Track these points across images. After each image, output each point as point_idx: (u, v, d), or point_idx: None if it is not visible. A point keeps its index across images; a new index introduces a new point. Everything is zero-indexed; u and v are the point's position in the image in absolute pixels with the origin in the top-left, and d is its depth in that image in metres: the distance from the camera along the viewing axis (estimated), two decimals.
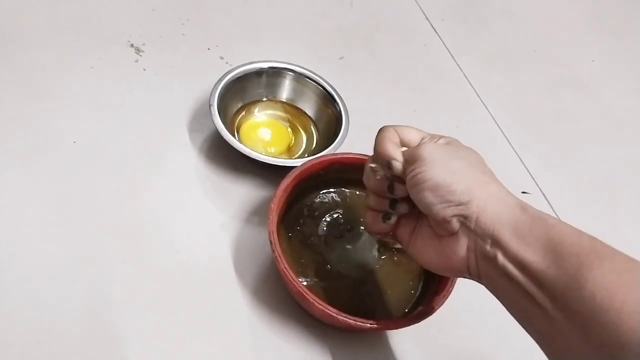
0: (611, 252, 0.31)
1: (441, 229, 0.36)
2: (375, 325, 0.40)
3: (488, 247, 0.33)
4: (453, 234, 0.35)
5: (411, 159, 0.36)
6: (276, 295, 0.45)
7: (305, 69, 0.57)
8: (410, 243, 0.40)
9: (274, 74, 0.56)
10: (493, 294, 0.35)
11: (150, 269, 0.45)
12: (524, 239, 0.32)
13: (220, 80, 0.53)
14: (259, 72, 0.56)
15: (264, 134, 0.55)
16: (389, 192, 0.38)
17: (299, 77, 0.57)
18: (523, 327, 0.34)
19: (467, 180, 0.34)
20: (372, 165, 0.39)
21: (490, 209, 0.34)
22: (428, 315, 0.41)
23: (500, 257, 0.33)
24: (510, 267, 0.32)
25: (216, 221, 0.49)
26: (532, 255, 0.31)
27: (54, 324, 0.41)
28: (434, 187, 0.34)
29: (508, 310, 0.35)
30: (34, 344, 0.40)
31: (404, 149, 0.38)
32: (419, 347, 0.46)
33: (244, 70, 0.55)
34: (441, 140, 0.38)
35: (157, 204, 0.49)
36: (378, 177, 0.39)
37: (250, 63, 0.55)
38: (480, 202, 0.34)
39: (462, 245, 0.35)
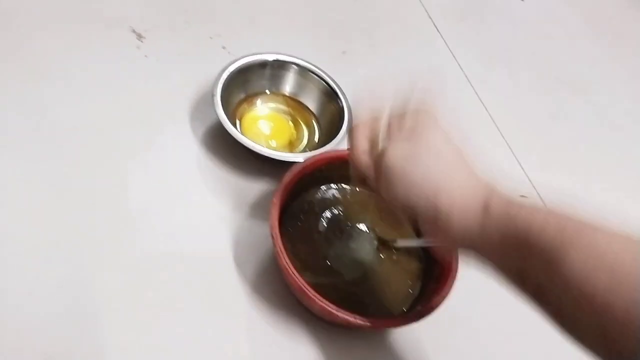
0: (577, 235, 0.30)
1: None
2: (374, 324, 0.40)
3: (464, 251, 0.36)
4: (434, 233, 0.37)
5: (377, 169, 0.37)
6: (275, 290, 0.45)
7: (309, 63, 0.57)
8: None
9: (278, 67, 0.56)
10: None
11: (148, 258, 0.45)
12: (494, 243, 0.32)
13: (224, 70, 0.52)
14: (263, 64, 0.55)
15: (265, 126, 0.55)
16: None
17: (303, 71, 0.56)
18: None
19: (427, 193, 0.34)
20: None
21: (456, 224, 0.34)
22: (426, 315, 0.41)
23: (478, 256, 0.34)
24: (491, 263, 0.34)
25: (216, 213, 0.49)
26: (506, 259, 0.32)
27: (46, 309, 0.40)
28: (399, 202, 0.35)
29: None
30: (26, 329, 0.39)
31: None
32: (416, 346, 0.46)
33: (248, 61, 0.54)
34: (405, 129, 0.36)
35: (157, 193, 0.49)
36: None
37: (255, 54, 0.55)
38: (444, 216, 0.34)
39: (444, 240, 0.38)
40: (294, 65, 0.56)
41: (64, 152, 0.49)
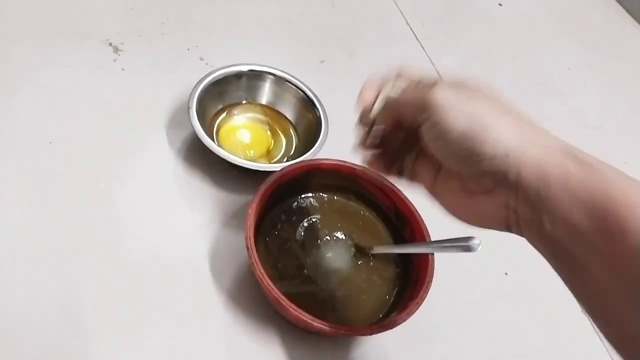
0: None
1: (474, 186, 0.30)
2: (348, 331, 0.40)
3: (531, 211, 0.27)
4: (488, 191, 0.29)
5: (420, 105, 0.30)
6: (253, 299, 0.46)
7: (285, 72, 0.57)
8: (436, 192, 0.34)
9: (254, 77, 0.56)
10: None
11: (125, 270, 0.45)
12: (576, 196, 0.25)
13: (199, 82, 0.53)
14: (238, 75, 0.56)
15: (243, 136, 0.55)
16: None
17: (279, 81, 0.57)
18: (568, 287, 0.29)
19: (496, 126, 0.28)
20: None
21: (532, 160, 0.27)
22: (401, 322, 0.42)
23: (547, 223, 0.27)
24: (559, 234, 0.26)
25: (194, 224, 0.49)
26: (586, 219, 0.25)
27: (26, 321, 0.40)
28: (459, 138, 0.28)
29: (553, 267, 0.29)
30: (4, 339, 0.39)
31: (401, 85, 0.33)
32: (392, 352, 0.47)
33: (224, 73, 0.55)
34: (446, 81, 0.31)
35: (134, 206, 0.49)
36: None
37: (231, 65, 0.55)
38: (518, 152, 0.27)
39: (500, 204, 0.29)
40: (269, 75, 0.57)
41: (41, 166, 0.49)
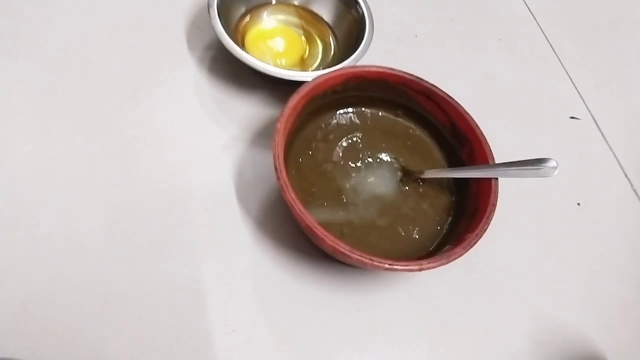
0: None
1: None
2: (393, 267, 0.34)
3: None
4: None
5: None
6: (283, 226, 0.40)
7: None
8: None
9: None
10: None
11: (143, 193, 0.40)
12: None
13: None
14: None
15: (273, 43, 0.48)
16: None
17: None
18: None
19: None
20: None
21: None
22: (456, 257, 0.35)
23: None
24: None
25: (218, 142, 0.44)
26: None
27: (33, 250, 0.37)
28: None
29: None
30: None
31: None
32: (444, 290, 0.41)
33: None
34: None
35: (151, 122, 0.43)
36: None
37: None
38: None
39: None
40: None
41: (47, 77, 0.44)
